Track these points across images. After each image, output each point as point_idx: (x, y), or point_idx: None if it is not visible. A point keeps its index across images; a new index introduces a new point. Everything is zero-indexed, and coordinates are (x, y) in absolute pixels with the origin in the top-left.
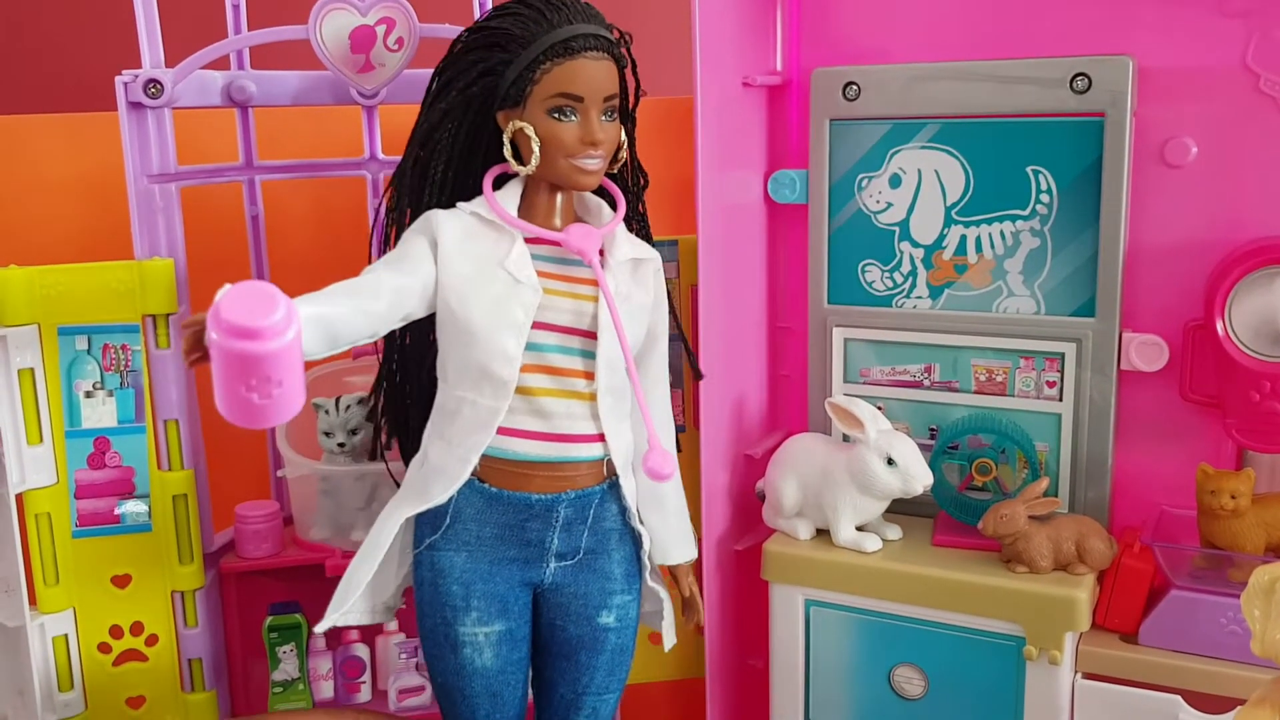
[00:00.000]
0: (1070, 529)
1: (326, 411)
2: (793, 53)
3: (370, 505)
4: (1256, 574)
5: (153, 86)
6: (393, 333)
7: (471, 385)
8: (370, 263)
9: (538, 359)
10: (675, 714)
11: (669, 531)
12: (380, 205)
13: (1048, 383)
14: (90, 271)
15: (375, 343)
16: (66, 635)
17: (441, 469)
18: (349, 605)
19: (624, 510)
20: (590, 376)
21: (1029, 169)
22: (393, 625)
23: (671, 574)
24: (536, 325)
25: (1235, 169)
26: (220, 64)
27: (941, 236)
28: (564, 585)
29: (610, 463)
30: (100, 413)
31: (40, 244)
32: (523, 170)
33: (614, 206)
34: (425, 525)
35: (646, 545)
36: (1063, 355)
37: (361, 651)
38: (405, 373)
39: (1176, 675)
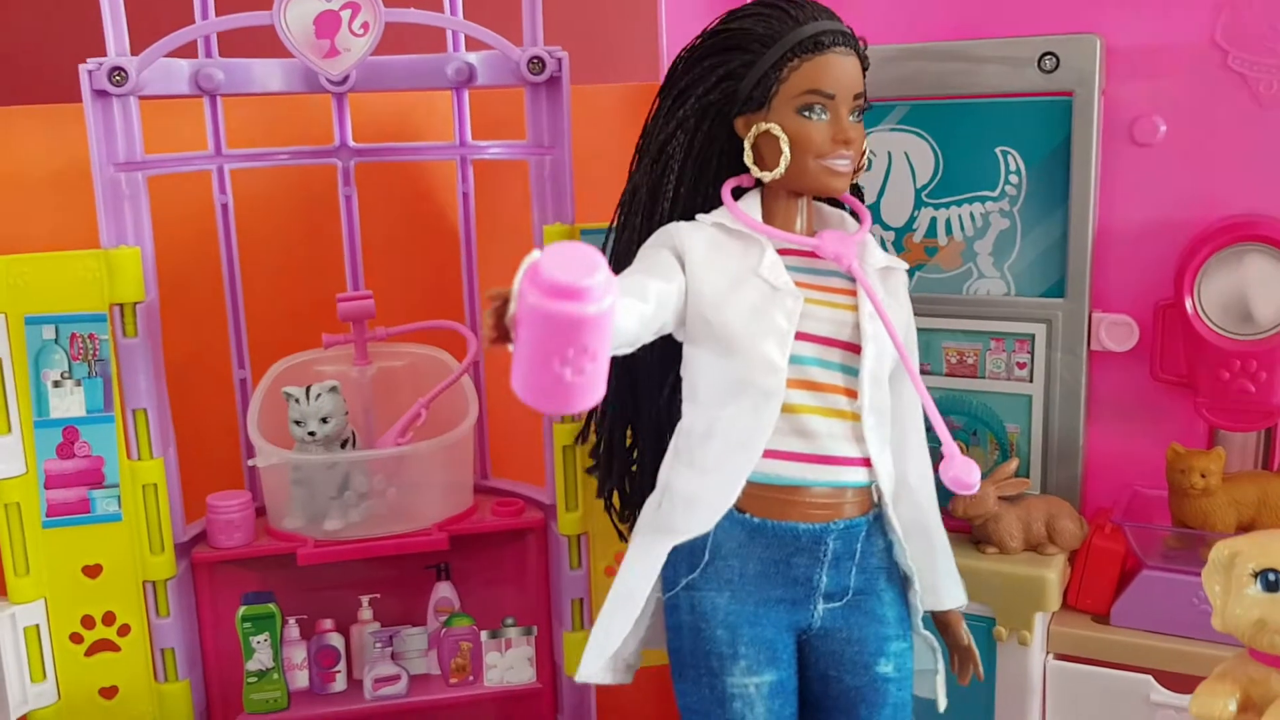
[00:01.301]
0: (1040, 510)
1: (297, 400)
2: None
3: (342, 494)
4: (1216, 549)
5: (117, 74)
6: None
7: (730, 401)
8: (344, 254)
9: (799, 373)
10: (650, 700)
11: (938, 571)
12: (352, 194)
13: (1018, 364)
14: (57, 260)
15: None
16: (38, 625)
17: (695, 498)
18: (598, 664)
19: (889, 546)
20: (851, 393)
21: (998, 150)
22: (367, 614)
23: (938, 621)
24: (797, 336)
25: (1204, 147)
26: (189, 53)
27: (912, 219)
28: (834, 630)
29: (875, 491)
30: (69, 402)
31: (14, 236)
32: (767, 176)
33: (854, 216)
34: (680, 563)
35: (917, 586)
36: (1033, 336)
37: (336, 641)
38: (636, 401)
39: (1148, 655)
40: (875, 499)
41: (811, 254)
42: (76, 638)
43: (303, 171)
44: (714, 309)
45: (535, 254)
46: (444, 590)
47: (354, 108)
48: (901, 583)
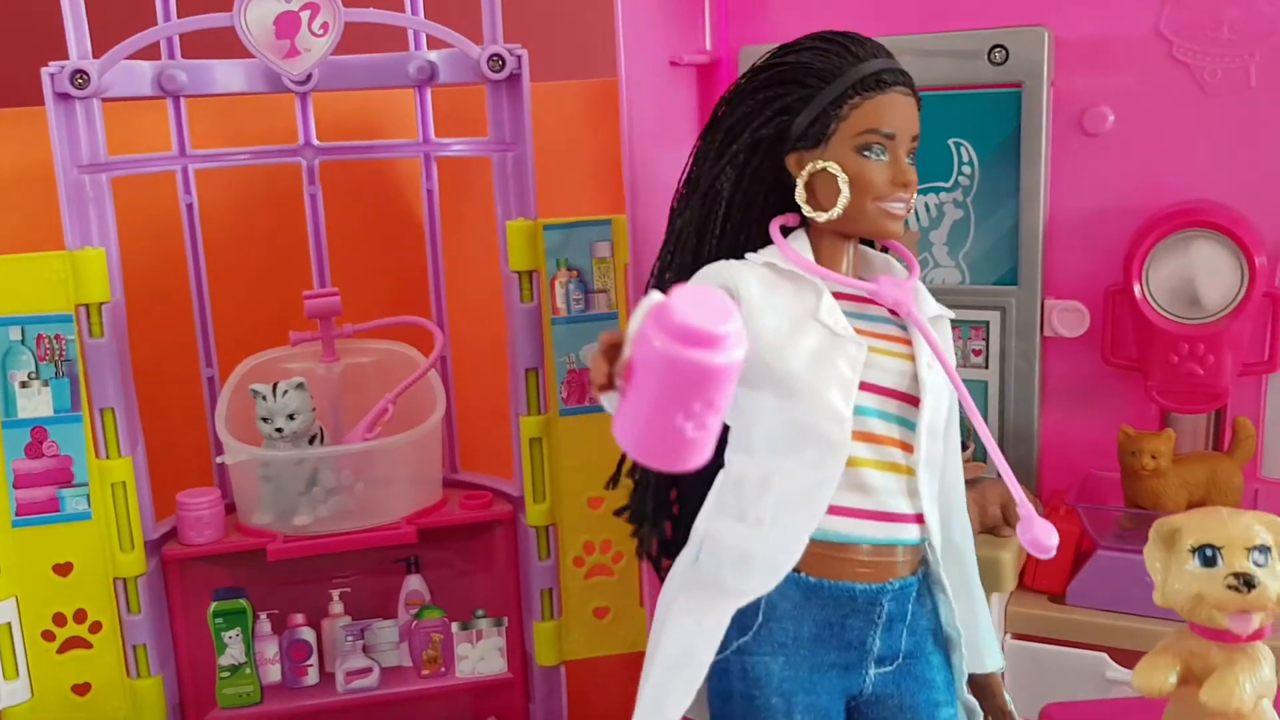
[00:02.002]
0: (995, 493)
1: (264, 397)
2: (721, 31)
3: (310, 490)
4: (1156, 525)
5: (79, 77)
6: None
7: (790, 452)
8: (310, 252)
9: (859, 424)
10: (621, 687)
11: (980, 633)
12: (317, 192)
13: (973, 351)
14: (22, 262)
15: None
16: (9, 624)
17: (749, 555)
18: None
19: (935, 606)
20: (907, 447)
21: (950, 141)
22: (338, 608)
23: (975, 684)
24: (859, 386)
25: (1152, 135)
26: (152, 55)
27: None
28: (886, 697)
29: (929, 549)
30: (36, 402)
31: None
32: (822, 217)
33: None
34: (729, 624)
35: (963, 649)
36: (987, 324)
37: (308, 635)
38: None
39: (1103, 633)
40: (926, 557)
41: (864, 299)
42: (48, 635)
43: (269, 171)
44: (775, 353)
45: (656, 295)
46: (414, 583)
47: (319, 107)
48: (945, 645)
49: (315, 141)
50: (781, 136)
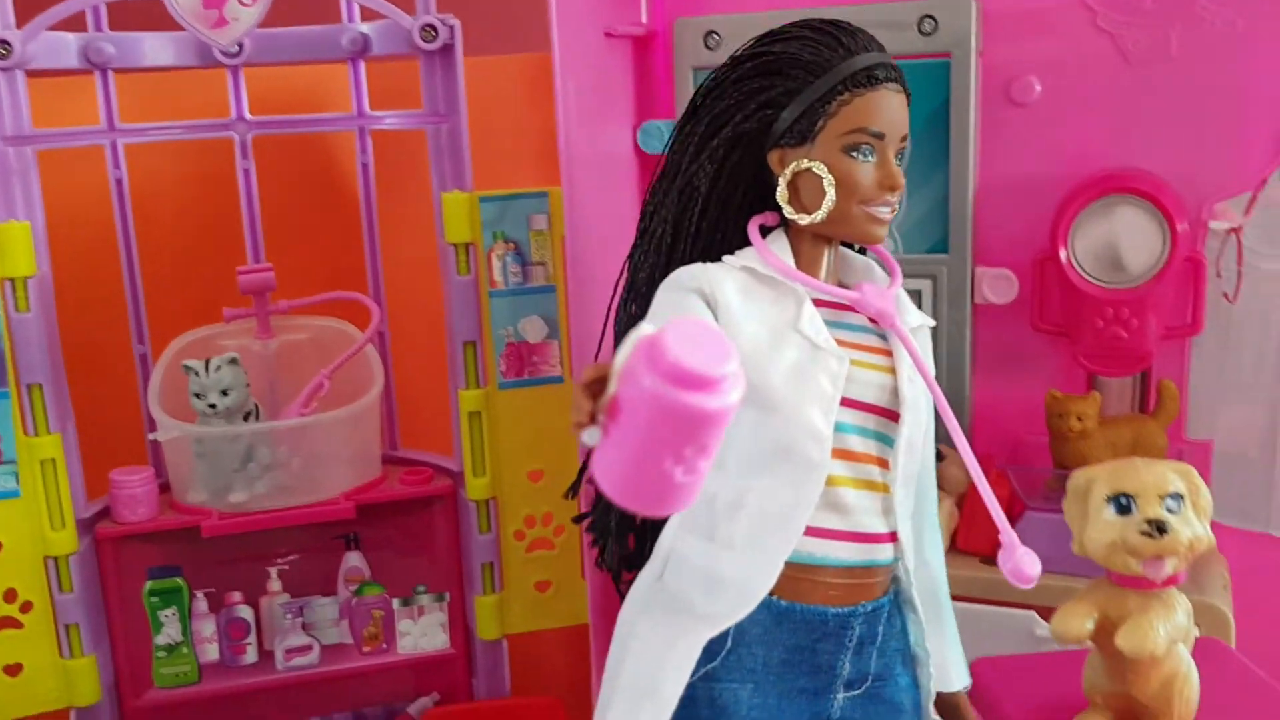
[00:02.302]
0: (948, 474)
1: (197, 373)
2: (656, 2)
3: (246, 466)
4: (1073, 478)
5: (1, 47)
6: None
7: (765, 471)
8: (244, 229)
9: (838, 441)
10: (564, 661)
11: (948, 651)
12: (250, 167)
13: None
14: None
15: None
16: None
17: (719, 577)
18: None
19: (905, 626)
20: (884, 463)
21: None
22: (276, 585)
23: (942, 703)
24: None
25: (1077, 104)
26: (79, 27)
27: None
28: None
29: (902, 568)
30: None
31: None
32: (805, 219)
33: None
34: None
35: (931, 669)
36: (920, 292)
37: (245, 613)
38: None
39: (1033, 593)
40: (897, 575)
41: (845, 306)
42: None
43: (202, 146)
44: (754, 366)
45: (646, 328)
46: (353, 559)
47: (253, 83)
48: (913, 664)
49: (248, 116)
50: (764, 131)
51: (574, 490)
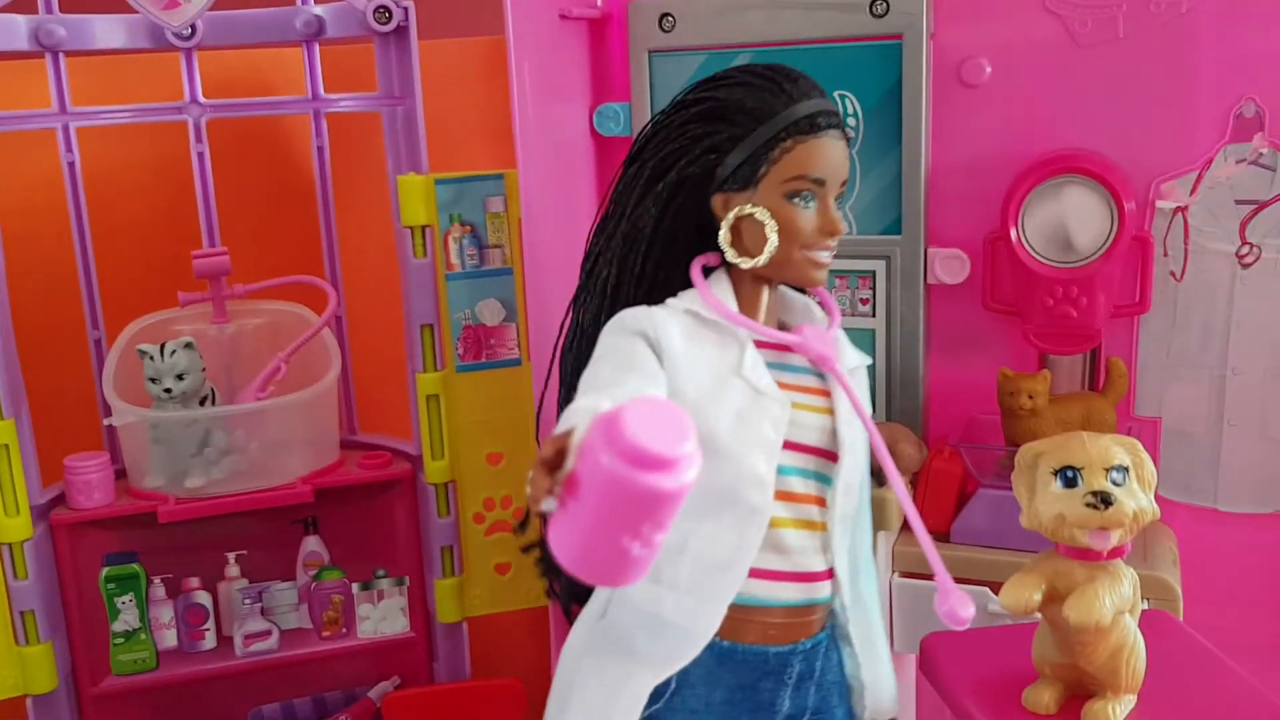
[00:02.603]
0: (882, 435)
1: (152, 358)
2: None
3: (202, 451)
4: (1021, 452)
5: None
6: None
7: (708, 515)
8: (199, 213)
9: (780, 484)
10: (524, 643)
11: (882, 681)
12: (204, 150)
13: (861, 300)
14: None
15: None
16: None
17: (662, 621)
18: None
19: (841, 659)
20: (822, 502)
21: (836, 93)
22: (234, 571)
23: None
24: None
25: (1027, 86)
26: (30, 9)
27: None
28: None
29: (840, 604)
30: None
31: None
32: (746, 263)
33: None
34: None
35: (867, 700)
36: (874, 273)
37: (204, 599)
38: None
39: (986, 569)
40: (836, 611)
41: (785, 347)
42: None
43: (157, 130)
44: (699, 412)
45: (604, 404)
46: (312, 544)
47: (210, 67)
48: (849, 695)
49: (201, 99)
50: (708, 175)
51: (524, 525)
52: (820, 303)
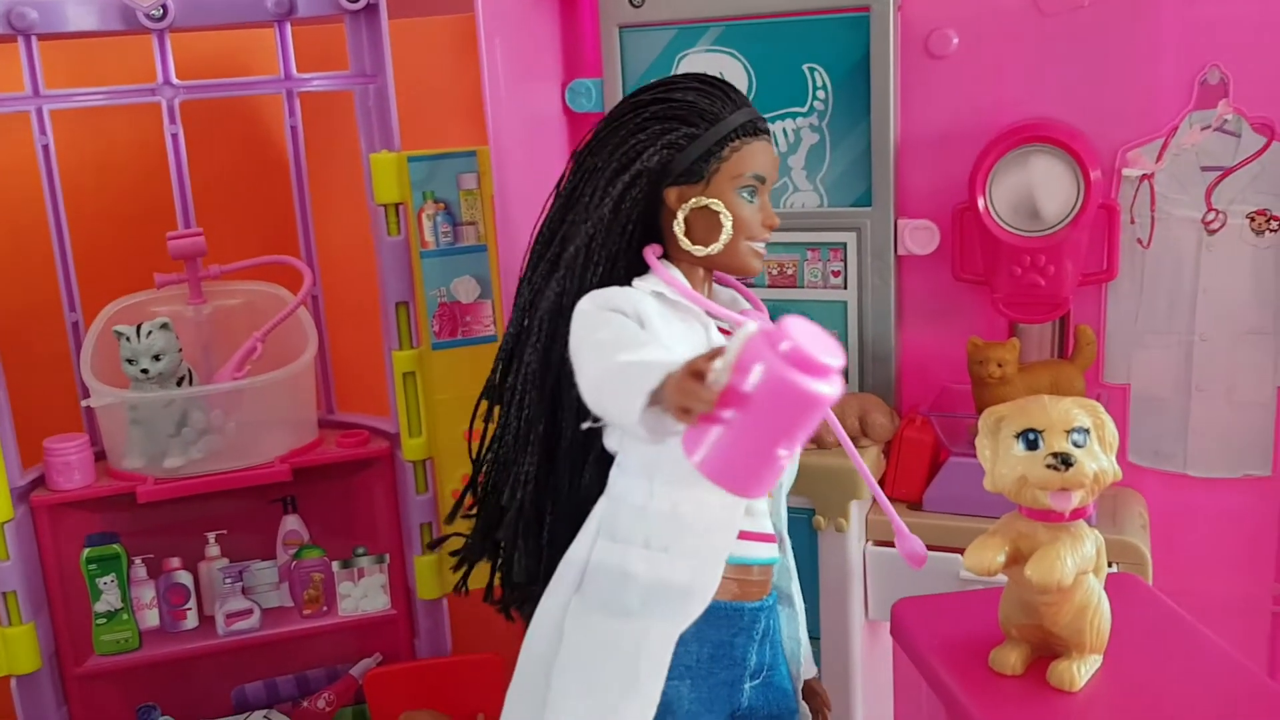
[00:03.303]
0: (854, 405)
1: (128, 339)
2: None
3: (180, 431)
4: (984, 415)
5: None
6: (507, 426)
7: (697, 482)
8: (174, 195)
9: None
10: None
11: (804, 641)
12: (178, 131)
13: (833, 272)
14: None
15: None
16: None
17: (662, 582)
18: None
19: (782, 620)
20: None
21: (805, 66)
22: (214, 550)
23: (806, 689)
24: None
25: (993, 56)
26: None
27: None
28: (757, 709)
29: (779, 566)
30: None
31: None
32: (701, 251)
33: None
34: None
35: (802, 658)
36: (845, 245)
37: (185, 579)
38: (555, 478)
39: (957, 536)
40: (779, 573)
41: (726, 332)
42: None
43: (132, 112)
44: None
45: (751, 325)
46: (292, 523)
47: (183, 50)
48: (784, 653)
49: (174, 80)
50: (664, 170)
51: (453, 515)
52: (743, 295)
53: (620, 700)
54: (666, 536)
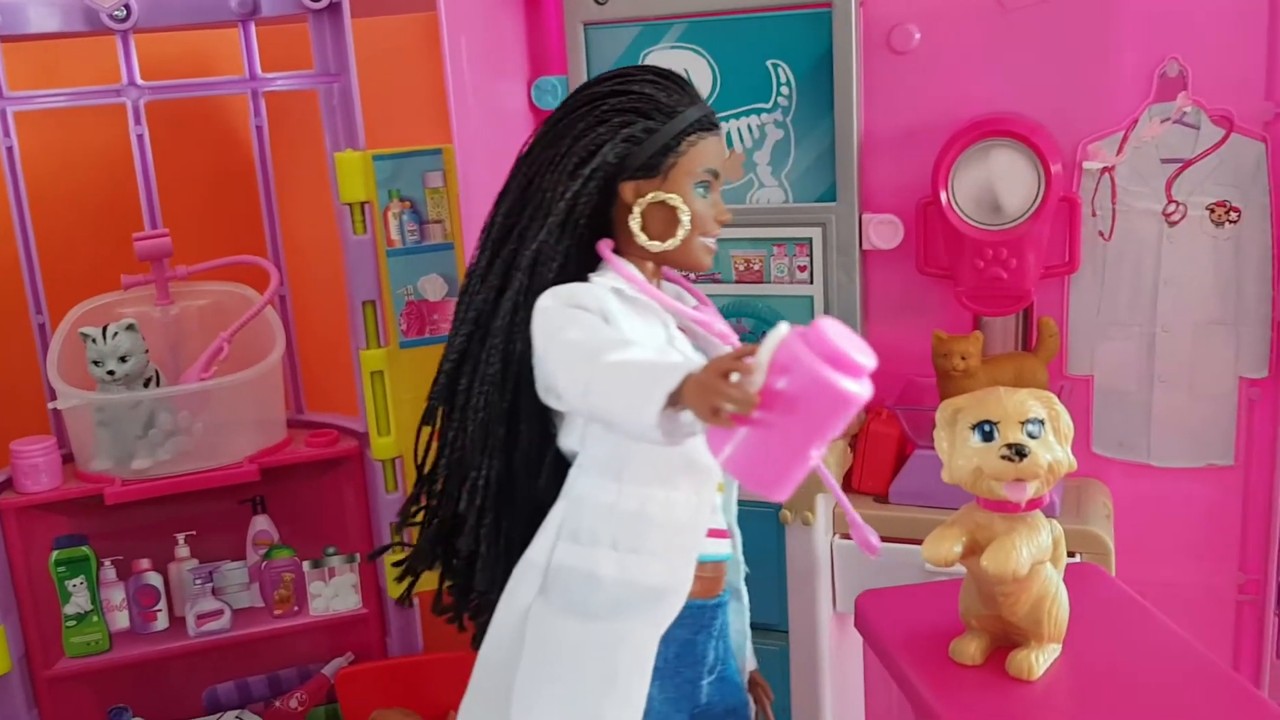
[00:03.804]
0: None
1: (94, 340)
2: None
3: (148, 433)
4: (941, 408)
5: None
6: (463, 429)
7: (666, 480)
8: (140, 196)
9: None
10: None
11: (748, 636)
12: (144, 133)
13: (799, 267)
14: None
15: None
16: None
17: (639, 585)
18: None
19: (731, 614)
20: None
21: (769, 62)
22: (184, 551)
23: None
24: None
25: (955, 51)
26: None
27: None
28: (714, 704)
29: (731, 561)
30: None
31: None
32: (657, 246)
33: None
34: None
35: (748, 651)
36: (810, 240)
37: (155, 580)
38: (512, 479)
39: (923, 528)
40: (730, 568)
41: (681, 328)
42: None
43: (98, 114)
44: None
45: (784, 326)
46: (261, 523)
47: (149, 52)
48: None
49: (139, 81)
50: (621, 164)
51: (404, 520)
52: (688, 291)
53: (601, 703)
54: (635, 537)
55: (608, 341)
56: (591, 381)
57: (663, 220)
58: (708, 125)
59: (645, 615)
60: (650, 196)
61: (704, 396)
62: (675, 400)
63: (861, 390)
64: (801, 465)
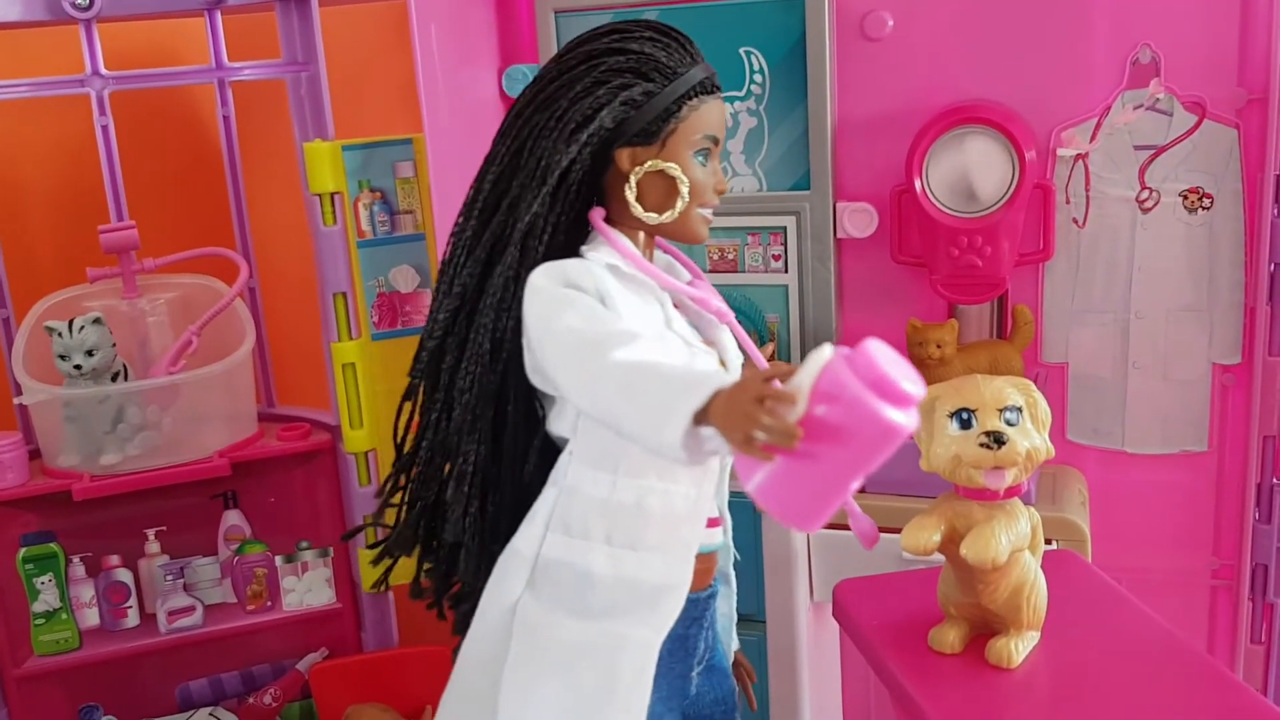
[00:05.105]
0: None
1: (60, 334)
2: None
3: (116, 428)
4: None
5: None
6: (448, 409)
7: (664, 473)
8: (105, 188)
9: None
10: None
11: (733, 620)
12: (109, 123)
13: (773, 256)
14: None
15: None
16: None
17: (636, 582)
18: None
19: (724, 596)
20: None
21: (741, 50)
22: (154, 547)
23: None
24: None
25: (928, 38)
26: None
27: None
28: (703, 694)
29: (730, 549)
30: None
31: None
32: (654, 218)
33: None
34: None
35: (734, 634)
36: (785, 229)
37: (125, 576)
38: (499, 470)
39: (900, 516)
40: (721, 553)
41: (677, 304)
42: None
43: (62, 105)
44: None
45: (827, 349)
46: (233, 518)
47: (114, 41)
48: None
49: (104, 71)
50: (618, 129)
51: (385, 501)
52: (679, 262)
53: (603, 711)
54: (631, 532)
55: (611, 334)
56: (599, 383)
57: (660, 190)
58: (709, 88)
59: (646, 615)
60: (648, 165)
61: (737, 423)
62: (700, 418)
63: (909, 422)
64: (839, 499)
